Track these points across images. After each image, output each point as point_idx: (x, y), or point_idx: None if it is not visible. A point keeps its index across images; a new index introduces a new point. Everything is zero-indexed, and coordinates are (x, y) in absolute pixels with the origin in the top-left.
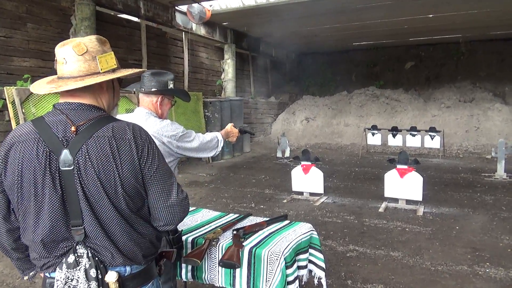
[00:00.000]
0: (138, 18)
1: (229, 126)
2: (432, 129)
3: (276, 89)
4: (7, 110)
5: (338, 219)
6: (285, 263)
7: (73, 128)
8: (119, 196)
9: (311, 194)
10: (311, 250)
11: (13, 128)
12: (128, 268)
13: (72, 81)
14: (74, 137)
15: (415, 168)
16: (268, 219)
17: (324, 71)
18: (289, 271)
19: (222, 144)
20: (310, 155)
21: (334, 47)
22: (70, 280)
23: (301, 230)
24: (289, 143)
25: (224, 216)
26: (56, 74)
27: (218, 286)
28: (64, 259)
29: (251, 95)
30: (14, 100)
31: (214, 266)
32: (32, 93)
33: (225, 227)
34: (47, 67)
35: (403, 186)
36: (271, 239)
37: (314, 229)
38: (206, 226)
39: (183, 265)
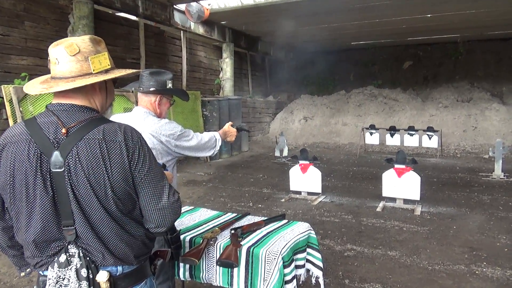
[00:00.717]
0: (136, 17)
1: (227, 126)
2: (430, 129)
3: (274, 88)
4: (5, 108)
5: (335, 218)
6: (283, 262)
7: (63, 130)
8: (109, 198)
9: (309, 193)
10: (308, 250)
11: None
12: (119, 268)
13: (64, 82)
14: (65, 139)
15: (413, 168)
16: (266, 218)
17: (322, 71)
18: (286, 270)
19: (220, 144)
20: (308, 154)
21: (333, 47)
22: (61, 279)
23: (299, 230)
24: (287, 142)
25: (222, 216)
26: None
27: (216, 285)
28: (56, 258)
29: (249, 94)
30: (11, 99)
31: (212, 266)
32: None
33: (223, 227)
34: (44, 65)
35: (401, 186)
36: (269, 238)
37: (311, 229)
38: (204, 226)
39: (181, 265)
